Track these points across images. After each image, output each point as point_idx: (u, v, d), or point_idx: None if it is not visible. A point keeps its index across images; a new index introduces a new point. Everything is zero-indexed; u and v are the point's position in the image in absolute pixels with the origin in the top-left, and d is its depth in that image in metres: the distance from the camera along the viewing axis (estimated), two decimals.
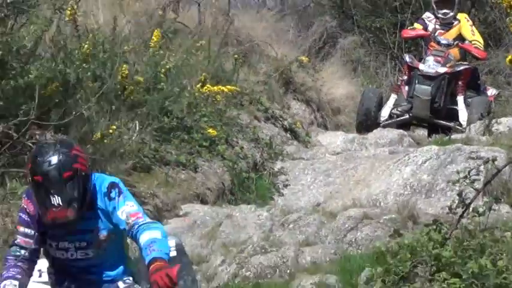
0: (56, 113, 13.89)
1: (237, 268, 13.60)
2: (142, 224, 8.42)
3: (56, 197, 8.16)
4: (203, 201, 15.64)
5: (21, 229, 8.66)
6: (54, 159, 8.20)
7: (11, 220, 11.79)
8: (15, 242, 8.68)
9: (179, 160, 16.03)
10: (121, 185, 8.67)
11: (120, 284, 8.66)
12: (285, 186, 16.95)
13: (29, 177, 8.41)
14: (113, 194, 8.52)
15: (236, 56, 19.94)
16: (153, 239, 8.29)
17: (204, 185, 15.95)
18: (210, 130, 16.74)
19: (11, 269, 8.54)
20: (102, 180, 8.67)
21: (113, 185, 8.60)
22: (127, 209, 8.48)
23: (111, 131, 14.80)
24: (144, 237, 8.32)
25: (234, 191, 16.41)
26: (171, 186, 15.38)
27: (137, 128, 15.55)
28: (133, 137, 15.37)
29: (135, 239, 8.44)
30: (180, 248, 10.03)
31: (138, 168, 14.99)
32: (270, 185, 16.97)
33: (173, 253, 9.51)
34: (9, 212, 12.18)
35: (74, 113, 14.03)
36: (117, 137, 15.02)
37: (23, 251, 8.63)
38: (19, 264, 8.57)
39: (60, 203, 8.16)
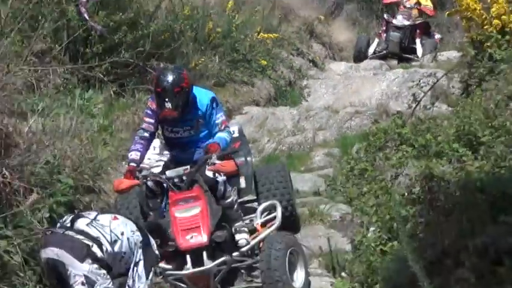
0: (167, 51, 13.85)
1: (277, 145, 13.64)
2: (224, 129, 9.21)
3: (168, 103, 8.76)
4: (257, 104, 15.54)
5: (146, 119, 9.30)
6: (170, 79, 8.82)
7: (137, 117, 11.81)
8: (141, 127, 9.33)
9: (243, 79, 15.89)
10: (218, 99, 9.48)
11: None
12: (308, 95, 16.75)
13: (153, 88, 9.16)
14: (214, 105, 9.20)
15: (280, 16, 19.76)
16: (220, 137, 9.11)
17: (258, 94, 15.85)
18: (262, 61, 16.59)
19: (136, 144, 9.11)
20: (204, 92, 9.40)
21: (214, 99, 9.29)
22: (220, 118, 9.22)
23: (200, 62, 14.89)
24: (218, 135, 9.14)
25: (277, 98, 16.30)
26: (237, 96, 15.30)
27: (217, 60, 15.46)
28: (215, 66, 15.24)
29: (215, 134, 9.17)
30: (241, 132, 10.31)
31: (217, 85, 14.86)
32: (299, 94, 16.81)
33: (236, 135, 9.90)
34: (136, 112, 12.19)
35: (172, 45, 13.92)
36: (205, 66, 14.96)
37: (145, 133, 9.18)
38: (141, 141, 9.12)
39: (170, 107, 8.80)
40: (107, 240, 6.98)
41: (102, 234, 7.01)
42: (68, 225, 7.00)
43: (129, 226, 7.19)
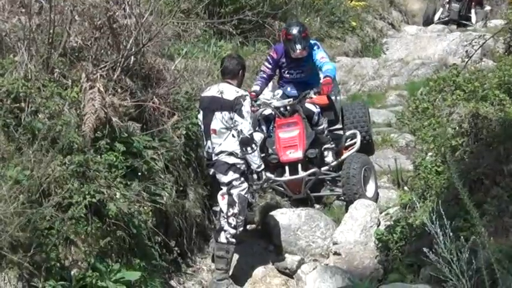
0: (281, 12, 13.37)
1: (360, 86, 13.39)
2: (325, 62, 8.97)
3: (298, 45, 8.83)
4: (347, 55, 15.04)
5: (266, 64, 9.32)
6: (297, 28, 8.96)
7: (256, 61, 11.62)
8: (261, 69, 9.42)
9: (337, 36, 15.41)
10: (319, 43, 9.50)
11: (315, 89, 9.04)
12: (387, 49, 16.16)
13: (284, 37, 9.05)
14: (315, 47, 9.14)
15: None
16: (328, 68, 8.91)
17: (348, 48, 15.37)
18: (353, 22, 16.02)
19: (258, 81, 9.40)
20: (310, 41, 9.19)
21: (316, 43, 9.28)
22: (320, 54, 9.06)
23: (305, 21, 14.20)
24: (324, 67, 8.90)
25: (362, 51, 15.71)
26: (332, 48, 14.79)
27: (318, 20, 14.97)
28: (316, 25, 14.81)
29: (321, 67, 8.94)
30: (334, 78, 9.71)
31: (317, 39, 13.55)
32: (379, 48, 16.18)
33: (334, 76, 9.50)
34: (256, 58, 12.01)
35: (285, 8, 13.41)
36: (309, 24, 14.27)
37: (264, 74, 9.25)
38: (261, 79, 9.33)
39: (300, 48, 8.86)
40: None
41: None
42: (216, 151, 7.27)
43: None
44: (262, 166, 7.31)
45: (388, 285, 6.03)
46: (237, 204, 7.13)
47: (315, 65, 9.13)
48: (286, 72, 9.27)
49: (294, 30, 8.89)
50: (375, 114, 11.41)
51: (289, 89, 9.29)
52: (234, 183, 7.15)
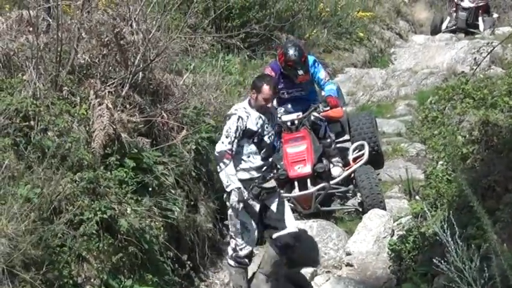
0: (288, 25, 13.70)
1: (369, 97, 13.39)
2: (328, 81, 8.96)
3: (300, 70, 8.74)
4: (355, 66, 15.15)
5: None
6: (296, 53, 8.72)
7: None
8: None
9: (345, 47, 15.52)
10: (318, 60, 9.24)
11: (322, 103, 8.91)
12: (395, 59, 16.28)
13: (283, 64, 8.78)
14: (316, 64, 8.96)
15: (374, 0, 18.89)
16: (331, 89, 8.84)
17: (356, 59, 15.49)
18: (360, 33, 16.13)
19: None
20: (309, 58, 8.96)
21: (315, 60, 9.05)
22: (322, 74, 8.94)
23: (313, 33, 14.65)
24: (327, 87, 8.85)
25: (370, 61, 15.85)
26: (340, 59, 15.04)
27: (326, 32, 15.05)
28: (324, 36, 14.88)
29: (323, 87, 8.91)
30: (338, 88, 9.74)
31: (325, 51, 14.72)
32: (387, 59, 16.32)
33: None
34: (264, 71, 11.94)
35: (292, 21, 13.62)
36: (316, 37, 14.68)
37: None
38: None
39: (302, 73, 8.77)
40: None
41: None
42: None
43: None
44: (231, 187, 6.55)
45: None
46: (230, 226, 6.88)
47: (314, 81, 9.06)
48: (285, 93, 9.09)
49: (293, 57, 8.67)
50: (385, 124, 11.41)
51: (289, 106, 9.14)
52: (227, 203, 6.76)
